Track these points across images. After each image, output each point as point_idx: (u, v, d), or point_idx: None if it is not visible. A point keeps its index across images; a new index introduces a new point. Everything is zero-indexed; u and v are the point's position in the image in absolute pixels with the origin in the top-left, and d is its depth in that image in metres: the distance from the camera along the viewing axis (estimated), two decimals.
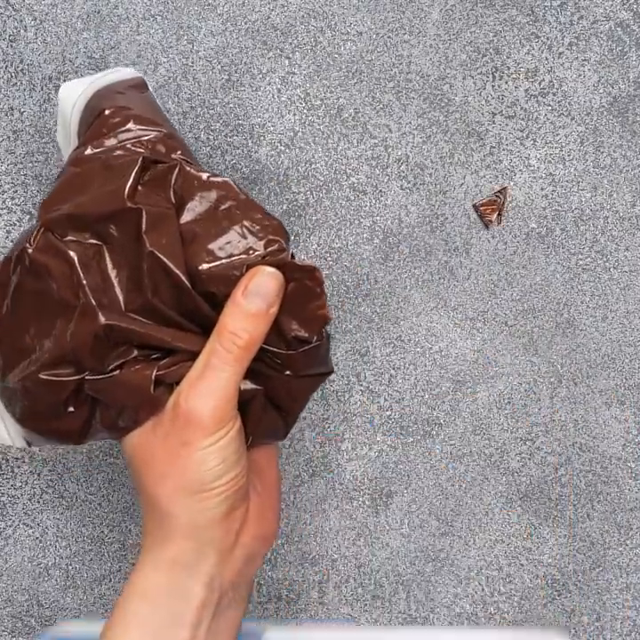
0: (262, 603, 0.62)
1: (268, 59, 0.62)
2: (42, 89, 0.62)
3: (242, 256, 0.45)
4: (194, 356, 0.45)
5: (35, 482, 0.62)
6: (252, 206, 0.46)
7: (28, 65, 0.62)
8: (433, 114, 0.62)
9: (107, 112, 0.49)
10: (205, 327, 0.46)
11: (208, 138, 0.62)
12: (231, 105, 0.62)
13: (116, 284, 0.46)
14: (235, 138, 0.62)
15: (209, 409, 0.43)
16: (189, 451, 0.43)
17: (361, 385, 0.61)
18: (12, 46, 0.62)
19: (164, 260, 0.44)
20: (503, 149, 0.61)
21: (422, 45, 0.61)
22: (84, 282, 0.45)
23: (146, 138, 0.48)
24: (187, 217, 0.46)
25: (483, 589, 0.61)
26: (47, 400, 0.46)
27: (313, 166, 0.62)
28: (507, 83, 0.61)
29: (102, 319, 0.44)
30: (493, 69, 0.61)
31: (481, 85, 0.61)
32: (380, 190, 0.62)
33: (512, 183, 0.61)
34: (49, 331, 0.46)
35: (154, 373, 0.45)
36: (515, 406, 0.61)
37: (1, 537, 0.62)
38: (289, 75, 0.62)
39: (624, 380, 0.61)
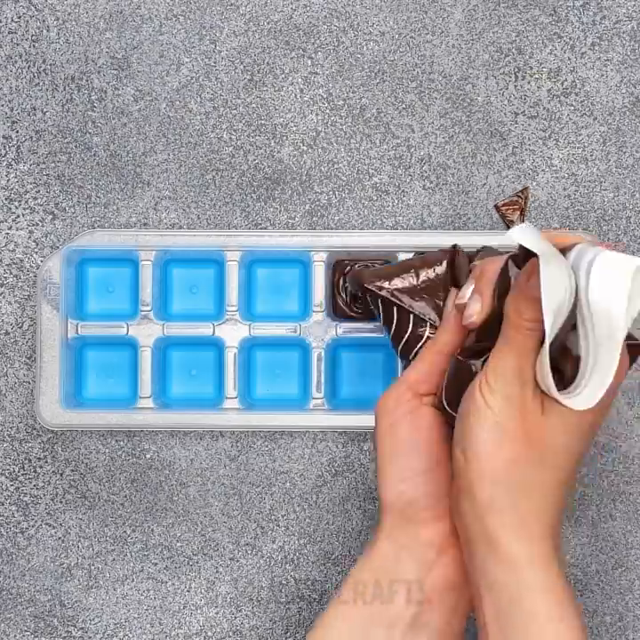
0: (284, 603, 0.62)
1: (291, 59, 0.62)
2: (64, 89, 0.62)
3: None
4: None
5: (57, 482, 0.62)
6: None
7: (50, 65, 0.62)
8: (455, 114, 0.62)
9: None
10: None
11: (230, 138, 0.62)
12: (254, 105, 0.62)
13: None
14: (257, 138, 0.62)
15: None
16: None
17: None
18: (34, 46, 0.62)
19: None
20: (526, 149, 0.61)
21: (445, 45, 0.61)
22: None
23: None
24: None
25: None
26: None
27: (335, 166, 0.62)
28: (529, 83, 0.61)
29: None
30: (516, 69, 0.61)
31: (503, 85, 0.61)
32: (403, 190, 0.62)
33: (534, 183, 0.61)
34: None
35: None
36: None
37: (23, 537, 0.62)
38: (311, 75, 0.62)
39: None
